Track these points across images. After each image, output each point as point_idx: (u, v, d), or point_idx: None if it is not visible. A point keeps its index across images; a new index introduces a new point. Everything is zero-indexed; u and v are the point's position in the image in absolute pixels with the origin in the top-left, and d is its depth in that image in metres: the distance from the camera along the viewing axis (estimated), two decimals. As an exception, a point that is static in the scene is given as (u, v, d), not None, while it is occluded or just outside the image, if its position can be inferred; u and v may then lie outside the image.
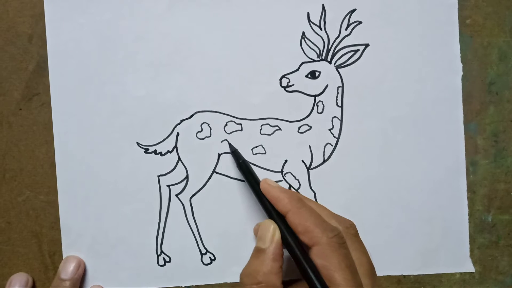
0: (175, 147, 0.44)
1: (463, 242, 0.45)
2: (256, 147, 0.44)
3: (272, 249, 0.36)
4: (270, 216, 0.39)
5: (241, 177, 0.44)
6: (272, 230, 0.37)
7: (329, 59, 0.44)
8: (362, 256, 0.37)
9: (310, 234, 0.35)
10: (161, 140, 0.44)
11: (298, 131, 0.44)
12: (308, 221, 0.36)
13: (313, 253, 0.35)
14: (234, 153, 0.43)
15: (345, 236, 0.37)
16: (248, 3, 0.44)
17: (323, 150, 0.44)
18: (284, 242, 0.37)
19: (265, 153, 0.44)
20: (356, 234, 0.39)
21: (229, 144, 0.44)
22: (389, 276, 0.44)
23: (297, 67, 0.44)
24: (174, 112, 0.44)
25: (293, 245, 0.36)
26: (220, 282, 0.44)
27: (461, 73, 0.45)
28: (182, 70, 0.44)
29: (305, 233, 0.36)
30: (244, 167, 0.42)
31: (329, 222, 0.37)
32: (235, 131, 0.44)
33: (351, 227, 0.39)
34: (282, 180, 0.44)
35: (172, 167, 0.44)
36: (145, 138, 0.44)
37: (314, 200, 0.43)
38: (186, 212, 0.44)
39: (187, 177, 0.44)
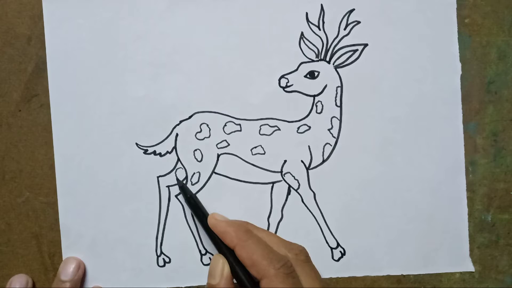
0: (175, 147, 0.44)
1: (463, 242, 0.45)
2: (256, 147, 0.44)
3: (222, 285, 0.36)
4: (220, 251, 0.39)
5: (241, 178, 0.44)
6: (221, 265, 0.37)
7: (328, 59, 0.44)
8: (314, 281, 0.36)
9: (258, 267, 0.35)
10: (160, 141, 0.44)
11: (297, 131, 0.44)
12: (255, 253, 0.36)
13: (262, 286, 0.35)
14: (182, 188, 0.43)
15: (295, 263, 0.36)
16: (247, 3, 0.44)
17: (322, 150, 0.44)
18: (235, 276, 0.37)
19: (264, 154, 0.44)
20: (306, 260, 0.38)
21: (177, 179, 0.44)
22: (389, 276, 0.44)
23: (296, 67, 0.44)
24: (173, 112, 0.44)
25: (243, 279, 0.36)
26: (220, 282, 0.44)
27: (460, 73, 0.45)
28: (181, 71, 0.44)
29: (253, 266, 0.35)
30: (192, 201, 0.42)
31: (277, 251, 0.37)
32: (234, 131, 0.44)
33: (301, 253, 0.38)
34: (281, 180, 0.44)
35: (172, 168, 0.44)
36: (145, 139, 0.44)
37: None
38: (186, 212, 0.44)
39: (186, 177, 0.44)
